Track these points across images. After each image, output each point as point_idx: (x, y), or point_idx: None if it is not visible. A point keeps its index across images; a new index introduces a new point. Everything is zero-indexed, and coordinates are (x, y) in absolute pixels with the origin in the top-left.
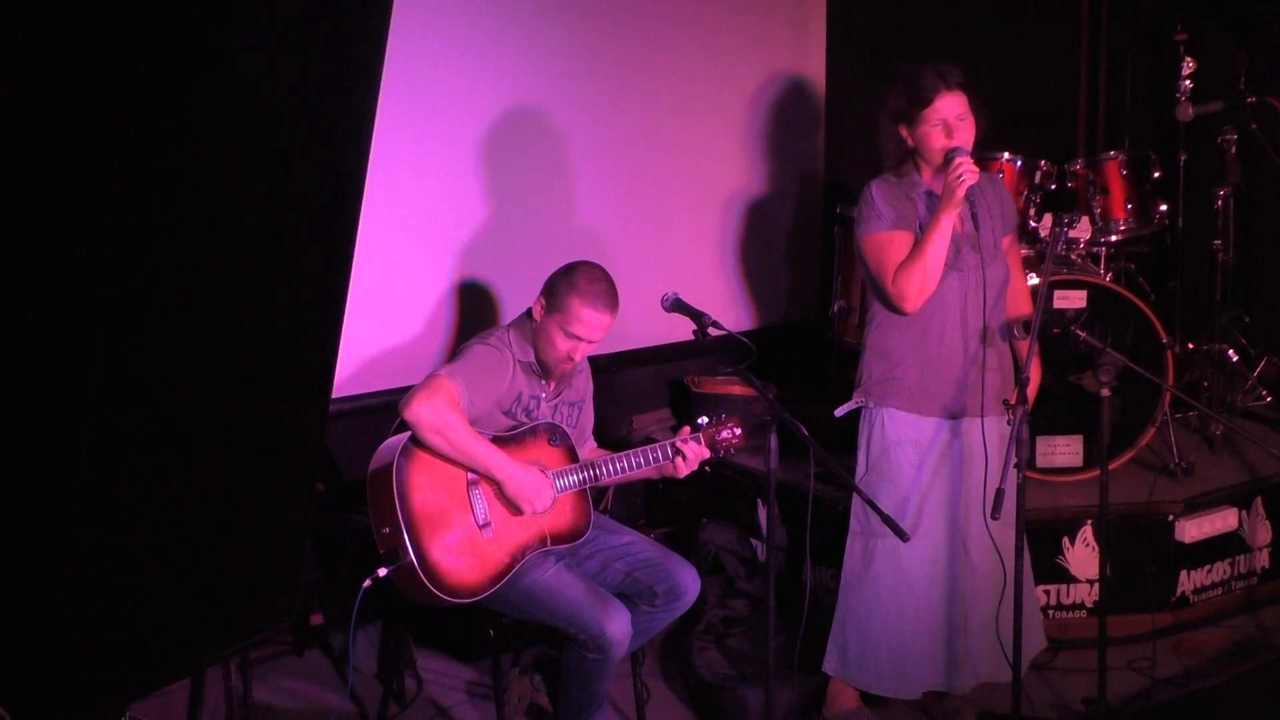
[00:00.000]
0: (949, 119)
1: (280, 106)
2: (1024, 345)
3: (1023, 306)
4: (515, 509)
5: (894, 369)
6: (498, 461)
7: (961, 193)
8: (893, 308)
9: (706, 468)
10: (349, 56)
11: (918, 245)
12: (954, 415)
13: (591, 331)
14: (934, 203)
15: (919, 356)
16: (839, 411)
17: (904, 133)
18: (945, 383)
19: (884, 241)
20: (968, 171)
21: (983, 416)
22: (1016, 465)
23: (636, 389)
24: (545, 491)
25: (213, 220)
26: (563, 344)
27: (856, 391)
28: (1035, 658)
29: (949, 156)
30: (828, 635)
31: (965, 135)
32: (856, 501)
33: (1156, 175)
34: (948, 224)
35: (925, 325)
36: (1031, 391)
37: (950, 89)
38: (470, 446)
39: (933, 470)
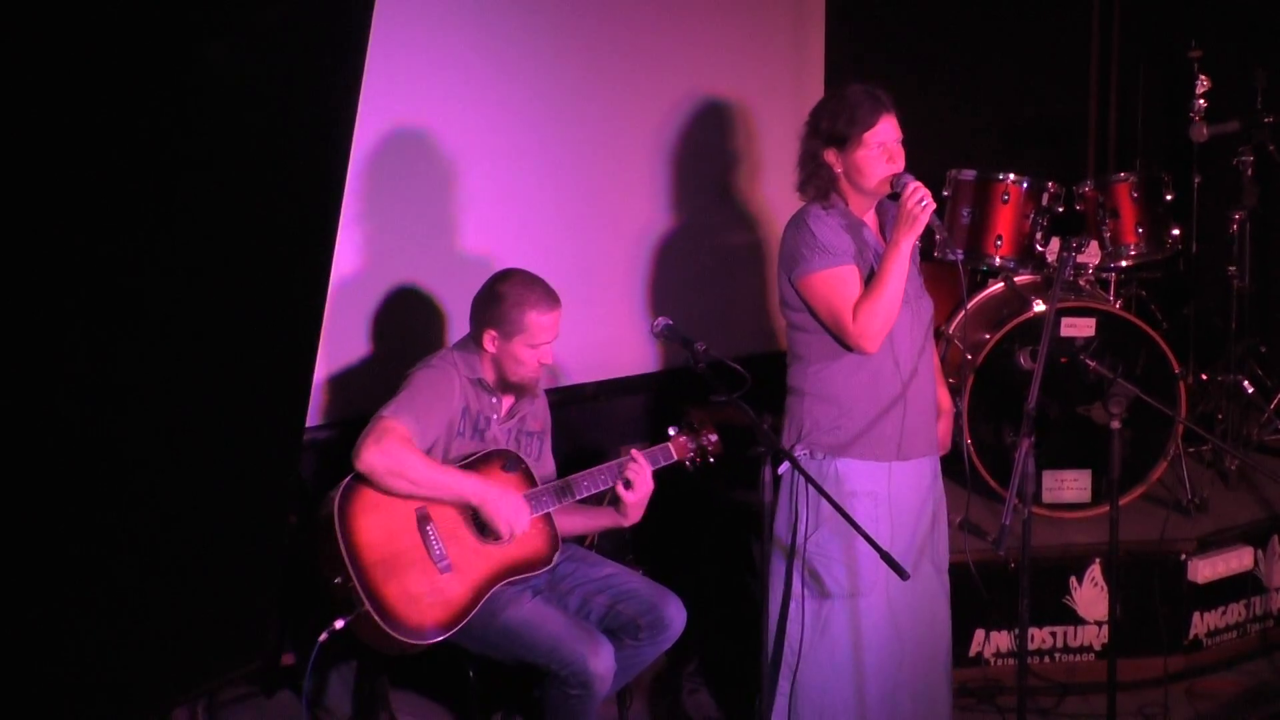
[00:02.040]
0: (889, 142)
1: (259, 118)
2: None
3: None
4: (477, 539)
5: (848, 415)
6: (470, 486)
7: (925, 218)
8: (848, 348)
9: (689, 466)
10: (330, 65)
11: (878, 279)
12: (909, 456)
13: (553, 331)
14: (870, 235)
15: (873, 399)
16: (782, 470)
17: (831, 158)
18: (895, 424)
19: (834, 278)
20: (927, 195)
21: (931, 456)
22: (1020, 498)
23: (625, 419)
24: (522, 511)
25: (186, 234)
26: (532, 357)
27: (798, 445)
28: None
29: (898, 182)
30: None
31: (902, 160)
32: (798, 562)
33: (1169, 198)
34: (907, 253)
35: (876, 364)
36: (945, 429)
37: (888, 110)
38: (436, 478)
39: (888, 521)
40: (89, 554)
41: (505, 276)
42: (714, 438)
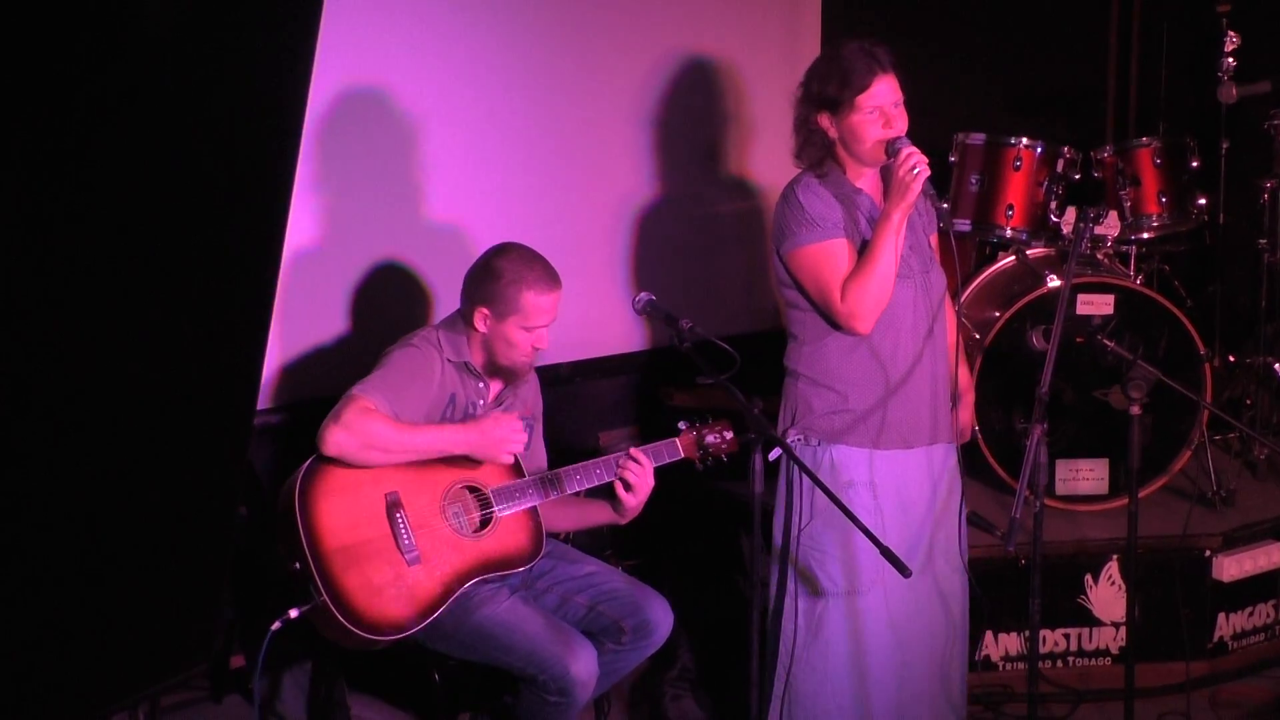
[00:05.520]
0: (886, 106)
1: (203, 74)
2: (956, 367)
3: (950, 321)
4: (452, 531)
5: (844, 400)
6: (449, 435)
7: (918, 187)
8: (839, 328)
9: (699, 465)
10: (282, 20)
11: (868, 254)
12: (912, 445)
13: (551, 314)
14: (867, 204)
15: (872, 382)
16: (773, 456)
17: (825, 123)
18: (901, 409)
19: (822, 253)
20: (921, 162)
21: (944, 443)
22: (1031, 489)
23: (604, 402)
24: (515, 427)
25: (120, 204)
26: (525, 340)
27: (792, 429)
28: None
29: (892, 148)
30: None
31: (902, 124)
32: (791, 556)
33: (1195, 164)
34: (899, 225)
35: (875, 345)
36: (967, 414)
37: (885, 71)
38: (410, 440)
39: (889, 513)
40: (13, 546)
41: (503, 251)
42: (729, 434)
